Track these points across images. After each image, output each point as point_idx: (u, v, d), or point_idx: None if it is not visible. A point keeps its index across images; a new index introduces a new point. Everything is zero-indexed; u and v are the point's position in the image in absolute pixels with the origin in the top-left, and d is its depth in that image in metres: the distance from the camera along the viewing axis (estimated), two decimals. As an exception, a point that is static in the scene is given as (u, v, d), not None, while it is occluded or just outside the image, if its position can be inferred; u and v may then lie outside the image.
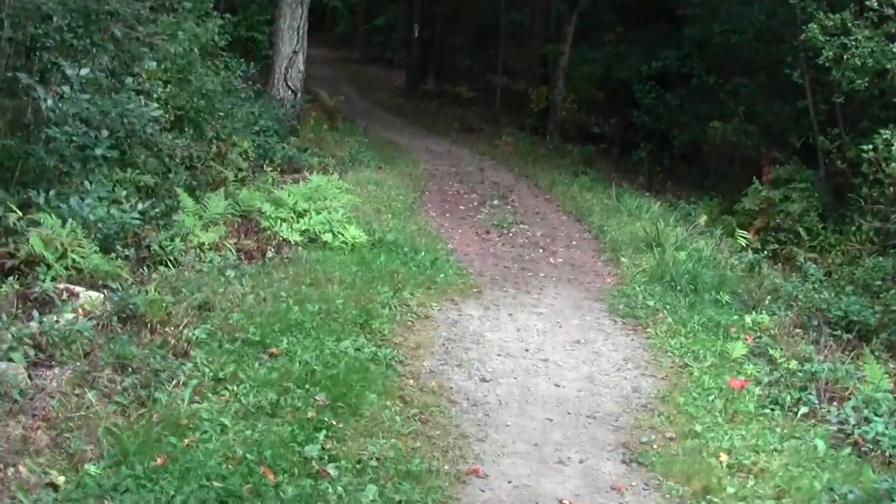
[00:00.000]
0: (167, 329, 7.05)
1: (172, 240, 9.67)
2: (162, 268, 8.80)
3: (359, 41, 39.50)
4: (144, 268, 8.73)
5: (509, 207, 15.58)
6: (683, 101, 21.58)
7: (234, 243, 10.26)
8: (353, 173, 15.31)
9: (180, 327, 7.11)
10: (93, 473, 4.92)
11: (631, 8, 26.00)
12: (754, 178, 16.51)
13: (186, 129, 12.74)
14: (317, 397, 6.27)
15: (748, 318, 9.80)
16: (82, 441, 5.24)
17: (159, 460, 5.14)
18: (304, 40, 18.65)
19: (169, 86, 12.05)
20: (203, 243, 9.97)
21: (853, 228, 15.24)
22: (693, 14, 21.68)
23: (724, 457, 6.51)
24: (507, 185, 17.74)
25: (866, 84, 14.54)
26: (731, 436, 6.82)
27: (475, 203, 15.63)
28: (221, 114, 13.93)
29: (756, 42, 20.12)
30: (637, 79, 22.61)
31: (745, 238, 13.18)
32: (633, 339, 9.16)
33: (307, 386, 6.40)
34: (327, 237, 10.43)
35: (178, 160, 12.10)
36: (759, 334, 9.46)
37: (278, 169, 15.20)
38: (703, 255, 12.12)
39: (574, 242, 13.69)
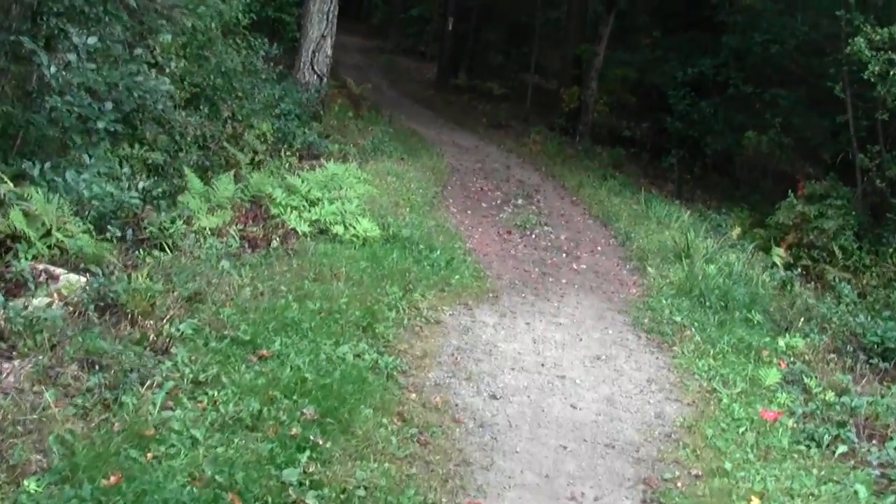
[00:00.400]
0: (149, 322, 6.32)
1: (173, 222, 8.97)
2: (157, 252, 8.07)
3: (393, 31, 38.69)
4: (141, 251, 8.02)
5: (534, 208, 14.78)
6: (718, 109, 20.69)
7: (240, 230, 9.54)
8: (374, 163, 14.55)
9: (164, 320, 6.38)
10: (32, 491, 4.18)
11: (669, 13, 25.11)
12: (790, 192, 15.61)
13: (202, 108, 12.05)
14: (304, 410, 5.50)
15: (781, 342, 9.01)
16: (29, 450, 4.51)
17: (112, 478, 4.39)
18: (334, 25, 17.91)
19: (184, 61, 11.33)
20: (205, 228, 9.29)
21: (890, 250, 14.39)
22: (733, 21, 20.80)
23: (755, 501, 5.73)
24: (533, 184, 16.94)
25: (912, 101, 13.71)
26: (763, 476, 6.03)
27: (499, 201, 14.84)
28: (240, 94, 13.24)
29: (797, 53, 19.24)
30: (671, 84, 21.71)
31: (779, 255, 12.34)
32: (657, 358, 8.36)
33: (296, 396, 5.64)
34: (338, 229, 9.66)
35: (189, 139, 11.41)
36: (792, 359, 8.66)
37: (297, 154, 14.50)
38: (735, 270, 11.30)
39: (599, 248, 12.88)
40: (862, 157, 15.36)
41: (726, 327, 9.26)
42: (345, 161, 14.47)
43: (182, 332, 6.29)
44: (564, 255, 12.14)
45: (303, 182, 11.16)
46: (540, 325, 8.68)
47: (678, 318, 9.40)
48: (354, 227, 9.72)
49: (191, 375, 5.70)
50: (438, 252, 9.93)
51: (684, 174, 21.19)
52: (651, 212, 14.83)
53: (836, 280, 13.40)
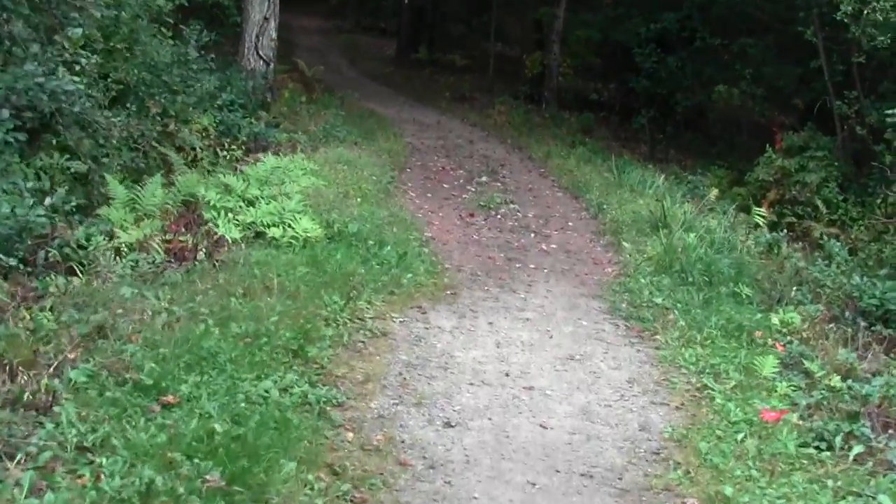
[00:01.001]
0: (33, 372, 5.21)
1: (89, 239, 7.87)
2: (66, 279, 6.95)
3: (352, 10, 37.39)
4: (50, 277, 6.90)
5: (499, 184, 13.68)
6: (686, 64, 19.57)
7: (168, 240, 8.43)
8: (325, 150, 13.42)
9: (51, 369, 5.27)
10: None
11: (628, -33, 23.98)
12: (767, 146, 14.55)
13: (129, 106, 10.88)
14: (208, 476, 4.40)
15: (775, 318, 7.97)
16: None
17: None
18: (276, 6, 16.69)
19: (96, 55, 10.16)
20: (128, 242, 8.20)
21: (878, 200, 13.38)
22: (695, -29, 19.68)
23: (765, 536, 4.70)
24: (498, 158, 15.83)
25: (889, 41, 12.62)
26: (771, 499, 4.98)
27: (461, 180, 13.73)
28: (174, 88, 12.06)
29: (763, 0, 18.12)
30: (636, 42, 20.55)
31: (761, 215, 11.29)
32: (638, 351, 7.31)
33: (199, 457, 4.53)
34: (275, 231, 8.54)
35: (115, 141, 10.24)
36: (789, 338, 7.62)
37: (242, 147, 13.37)
38: (717, 238, 10.25)
39: (570, 224, 11.82)
40: (840, 104, 14.35)
41: (713, 306, 8.22)
42: (293, 151, 13.38)
43: (73, 381, 5.18)
44: (532, 234, 11.07)
45: (240, 179, 10.07)
46: (504, 323, 7.60)
47: (659, 300, 8.35)
48: (293, 228, 8.59)
49: (75, 440, 4.58)
50: (390, 247, 8.82)
51: (656, 134, 20.11)
52: (624, 179, 13.74)
53: (824, 237, 12.40)
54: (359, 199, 10.76)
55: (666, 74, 19.60)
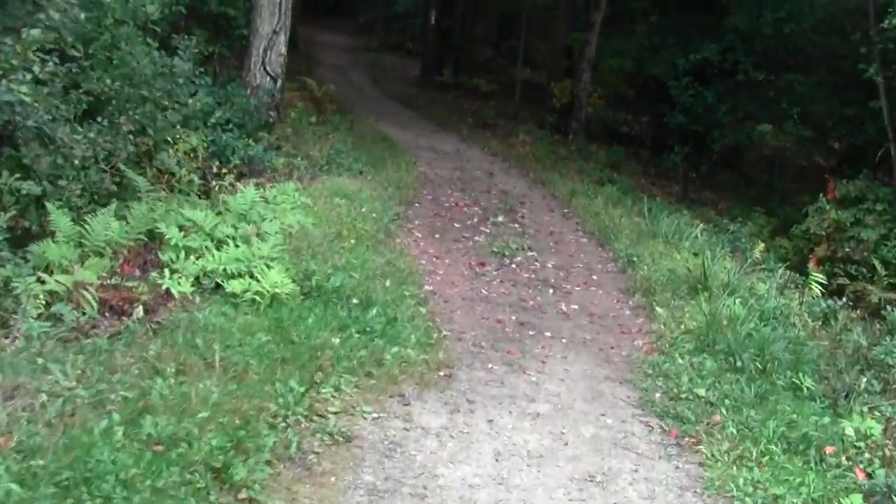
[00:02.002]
0: None
1: (6, 285, 6.33)
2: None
3: (379, 29, 35.88)
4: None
5: (516, 226, 11.98)
6: (725, 99, 17.80)
7: (112, 286, 6.82)
8: (326, 180, 11.78)
9: None
10: None
11: (666, -5, 22.34)
12: (821, 195, 12.76)
13: (100, 121, 9.30)
14: None
15: (849, 427, 6.22)
16: None
17: None
18: (288, 18, 15.10)
19: (70, 63, 8.65)
20: (61, 288, 6.63)
21: (945, 263, 11.58)
22: (738, 0, 17.90)
23: None
24: (519, 194, 14.14)
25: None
26: None
27: (475, 220, 12.03)
28: (156, 103, 10.46)
29: (814, 33, 16.37)
30: (672, 73, 18.82)
31: (819, 281, 9.56)
32: (677, 468, 5.59)
33: None
34: (235, 285, 6.86)
35: (76, 161, 8.66)
36: (869, 457, 5.88)
37: (234, 172, 11.77)
38: (767, 308, 8.51)
39: (595, 278, 10.10)
40: (902, 151, 12.57)
41: (768, 403, 6.50)
42: (290, 178, 11.78)
43: None
44: (551, 290, 9.36)
45: (211, 214, 8.44)
46: (508, 421, 5.89)
47: (702, 391, 6.63)
48: (260, 280, 6.92)
49: None
50: (377, 308, 7.13)
51: (690, 173, 18.34)
52: (657, 226, 11.99)
53: (884, 304, 10.60)
54: (352, 241, 9.10)
55: (703, 109, 17.83)
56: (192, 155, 11.52)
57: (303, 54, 29.84)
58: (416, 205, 12.34)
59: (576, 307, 8.90)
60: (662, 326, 8.21)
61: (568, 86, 21.11)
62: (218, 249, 7.62)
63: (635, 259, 10.50)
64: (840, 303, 9.38)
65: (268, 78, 15.00)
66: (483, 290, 8.98)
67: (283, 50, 15.20)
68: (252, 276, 7.04)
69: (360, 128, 17.07)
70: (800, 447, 5.85)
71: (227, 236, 8.00)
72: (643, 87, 21.75)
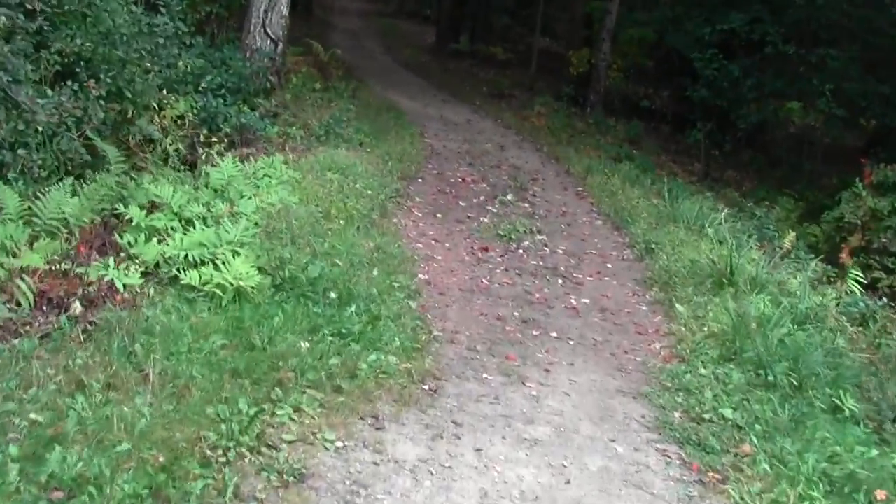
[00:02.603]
0: None
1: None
2: None
3: (396, -6, 34.77)
4: None
5: (527, 205, 10.98)
6: (751, 74, 16.66)
7: (63, 271, 5.89)
8: (323, 151, 10.79)
9: None
10: None
11: (691, -37, 21.10)
12: (857, 180, 11.67)
13: (70, 85, 8.35)
14: None
15: (901, 462, 5.24)
16: None
17: None
18: (290, -23, 14.07)
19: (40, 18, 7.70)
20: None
21: None
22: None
23: None
24: (531, 170, 13.11)
25: None
26: None
27: (482, 197, 11.04)
28: (137, 64, 9.48)
29: (850, 4, 15.16)
30: (696, 46, 17.68)
31: (859, 280, 8.54)
32: (701, 514, 4.62)
33: None
34: (193, 276, 5.89)
35: (39, 128, 7.73)
36: (927, 503, 4.90)
37: (224, 141, 10.81)
38: (801, 309, 7.50)
39: (609, 266, 9.11)
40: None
41: (806, 430, 5.51)
42: (283, 149, 10.81)
43: None
44: (560, 281, 8.38)
45: (191, 188, 7.49)
46: (500, 449, 4.91)
47: (728, 412, 5.66)
48: (224, 270, 5.95)
49: None
50: (358, 304, 6.16)
51: (712, 151, 17.24)
52: (677, 209, 10.95)
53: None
54: (341, 222, 8.13)
55: (727, 84, 16.72)
56: (179, 122, 10.58)
57: (318, 19, 28.78)
58: (420, 180, 11.34)
59: (587, 301, 7.91)
60: (683, 328, 7.21)
61: (586, 55, 20.02)
62: (185, 232, 6.66)
63: (654, 246, 9.49)
64: (880, 303, 8.36)
65: (268, 41, 14.00)
66: (484, 280, 8.00)
67: (285, 11, 14.17)
68: (215, 265, 6.07)
69: (366, 96, 16.04)
70: (845, 489, 4.87)
71: (197, 216, 7.05)
72: (664, 59, 20.63)
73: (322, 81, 15.39)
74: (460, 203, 10.65)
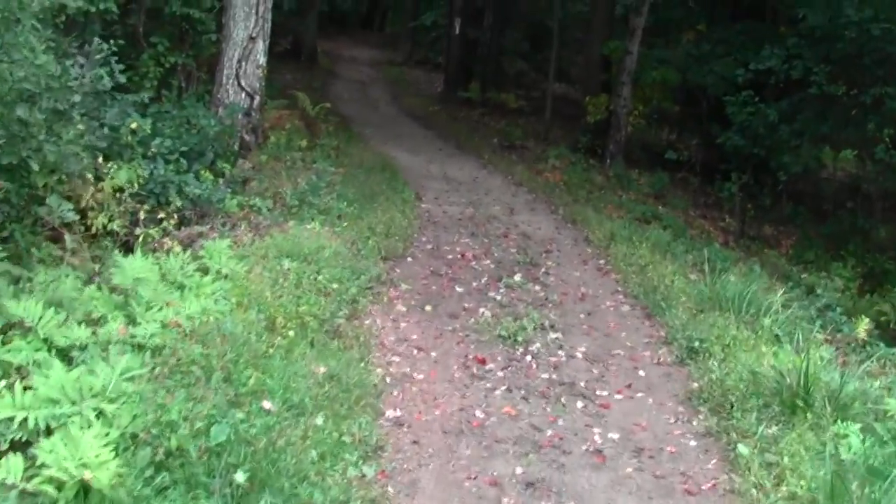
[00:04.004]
0: None
1: None
2: None
3: (405, 42, 32.83)
4: None
5: (538, 288, 8.85)
6: (790, 117, 14.49)
7: None
8: (291, 227, 8.73)
9: None
10: None
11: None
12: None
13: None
14: None
15: None
16: None
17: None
18: (267, 22, 12.19)
19: None
20: None
21: None
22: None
23: None
24: (544, 238, 11.00)
25: None
26: None
27: (484, 279, 8.93)
28: (61, 128, 7.53)
29: (910, 35, 13.01)
30: (725, 87, 15.58)
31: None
32: None
33: None
34: (14, 465, 3.76)
35: None
36: None
37: (173, 217, 8.87)
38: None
39: (642, 373, 6.94)
40: None
41: None
42: (242, 226, 8.78)
43: None
44: (580, 404, 6.22)
45: (87, 295, 5.45)
46: None
47: None
48: (65, 451, 3.82)
49: None
50: (274, 493, 4.01)
51: (746, 204, 15.07)
52: (722, 289, 8.72)
53: None
54: (289, 335, 6.01)
55: (764, 129, 14.54)
56: (117, 196, 8.63)
57: (321, 69, 26.95)
58: (409, 259, 9.25)
59: (615, 437, 5.74)
60: (753, 488, 5.02)
61: (604, 101, 17.93)
62: (46, 374, 4.56)
63: (697, 345, 7.30)
64: None
65: (243, 94, 12.10)
66: (478, 413, 5.85)
67: (262, 60, 12.26)
68: (62, 437, 3.95)
69: (359, 152, 14.03)
70: None
71: (76, 344, 4.96)
72: (690, 103, 18.48)
73: (308, 139, 13.38)
74: (457, 289, 8.53)
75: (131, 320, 5.36)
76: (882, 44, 12.85)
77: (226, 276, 6.57)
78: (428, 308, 7.81)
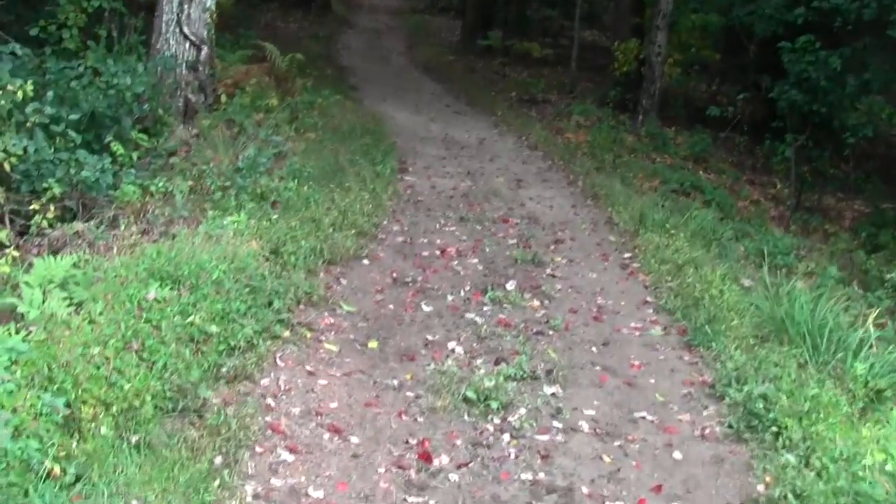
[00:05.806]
0: None
1: None
2: None
3: (428, -13, 29.94)
4: None
5: (536, 303, 6.30)
6: (861, 67, 11.64)
7: None
8: (209, 218, 6.24)
9: None
10: None
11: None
12: None
13: None
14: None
15: None
16: None
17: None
18: (213, -42, 9.57)
19: None
20: None
21: None
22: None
23: None
24: (555, 221, 8.42)
25: None
26: None
27: (464, 291, 6.38)
28: None
29: None
30: (779, 32, 12.71)
31: None
32: None
33: None
34: None
35: None
36: None
37: (52, 209, 6.43)
38: None
39: (678, 458, 4.38)
40: None
41: None
42: (133, 223, 6.28)
43: None
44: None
45: None
46: None
47: None
48: None
49: None
50: None
51: (803, 169, 12.29)
52: (789, 305, 6.03)
53: None
54: (101, 433, 3.52)
55: (827, 81, 11.67)
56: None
57: (335, 16, 24.29)
58: (365, 261, 6.71)
59: None
60: None
61: (634, 47, 15.11)
62: None
63: (759, 407, 4.71)
64: None
65: (186, 44, 9.56)
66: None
67: (211, 3, 9.66)
68: None
69: (343, 113, 11.42)
70: None
71: None
72: (736, 51, 15.54)
73: (280, 98, 10.78)
74: (423, 307, 6.00)
75: None
76: None
77: (35, 327, 4.09)
78: (372, 345, 5.30)
